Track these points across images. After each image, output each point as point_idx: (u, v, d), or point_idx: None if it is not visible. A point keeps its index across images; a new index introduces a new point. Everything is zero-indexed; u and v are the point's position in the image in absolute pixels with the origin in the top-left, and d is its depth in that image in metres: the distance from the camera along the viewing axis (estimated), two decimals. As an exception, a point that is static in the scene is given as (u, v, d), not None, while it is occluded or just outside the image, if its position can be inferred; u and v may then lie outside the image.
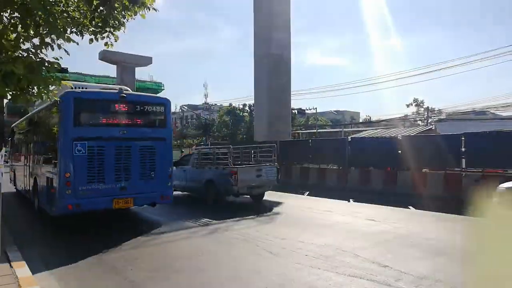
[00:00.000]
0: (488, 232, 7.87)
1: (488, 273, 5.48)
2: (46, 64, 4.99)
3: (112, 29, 5.52)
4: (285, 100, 23.92)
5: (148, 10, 5.58)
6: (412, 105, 62.65)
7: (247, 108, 53.16)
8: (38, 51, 5.01)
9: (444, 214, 9.78)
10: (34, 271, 5.32)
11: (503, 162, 11.70)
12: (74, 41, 5.07)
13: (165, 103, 9.62)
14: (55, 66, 5.01)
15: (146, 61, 54.99)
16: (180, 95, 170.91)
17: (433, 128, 30.08)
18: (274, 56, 23.05)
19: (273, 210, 10.90)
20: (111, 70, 75.94)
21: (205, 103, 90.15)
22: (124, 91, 9.06)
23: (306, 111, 54.44)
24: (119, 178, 8.59)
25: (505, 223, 8.32)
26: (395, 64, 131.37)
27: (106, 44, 5.71)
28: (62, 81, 5.33)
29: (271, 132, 22.38)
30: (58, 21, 4.71)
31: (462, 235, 7.41)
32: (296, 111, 50.11)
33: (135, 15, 5.57)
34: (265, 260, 5.89)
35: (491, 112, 40.47)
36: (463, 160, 12.55)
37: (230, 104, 56.24)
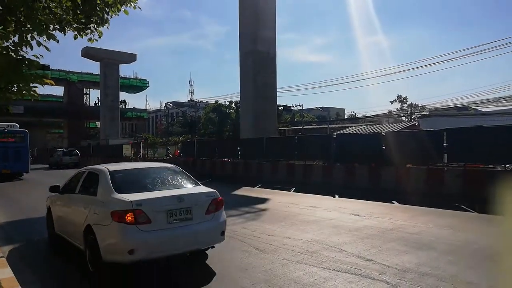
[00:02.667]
0: (470, 226, 8.07)
1: (471, 265, 5.64)
2: (26, 62, 4.89)
3: (95, 25, 5.43)
4: (271, 97, 23.94)
5: (130, 6, 5.50)
6: (396, 101, 63.72)
7: (233, 105, 53.09)
8: (18, 49, 4.90)
9: (427, 208, 9.98)
10: (16, 272, 5.23)
11: (484, 157, 11.97)
12: (55, 39, 4.98)
13: (25, 132, 24.02)
14: (35, 64, 4.91)
15: (130, 58, 54.38)
16: (165, 92, 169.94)
17: (416, 124, 30.61)
18: (259, 53, 23.03)
19: (259, 207, 10.94)
20: (95, 67, 74.69)
21: (191, 100, 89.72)
22: (6, 128, 23.45)
23: (292, 108, 54.68)
24: (4, 161, 22.28)
25: (485, 218, 8.53)
26: (380, 61, 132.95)
27: (90, 39, 5.61)
28: (44, 79, 5.23)
29: (257, 129, 22.40)
30: (40, 17, 4.61)
31: (444, 229, 7.58)
32: (282, 108, 50.27)
33: (118, 12, 5.47)
34: (251, 257, 5.93)
35: (472, 108, 41.31)
36: (445, 155, 12.80)
37: (216, 101, 56.12)
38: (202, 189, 5.84)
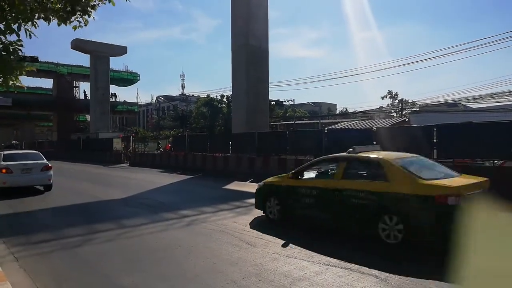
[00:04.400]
0: (459, 222, 8.16)
1: (460, 261, 5.69)
2: (12, 50, 4.77)
3: (81, 13, 5.29)
4: (263, 91, 23.87)
5: None
6: (387, 97, 64.10)
7: (225, 99, 52.87)
8: (3, 37, 4.77)
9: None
10: (4, 266, 5.16)
11: (473, 153, 12.09)
12: (46, 20, 4.85)
13: None
14: (17, 51, 4.79)
15: (120, 50, 53.64)
16: (156, 85, 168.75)
17: (407, 119, 30.81)
18: (251, 47, 22.89)
19: (250, 201, 10.90)
20: (85, 59, 73.68)
21: (182, 94, 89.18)
22: None
23: (284, 103, 54.68)
24: None
25: (476, 213, 8.65)
26: (373, 56, 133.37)
27: (74, 27, 5.45)
28: (27, 68, 5.12)
29: (249, 124, 22.33)
30: (25, 4, 4.48)
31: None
32: (274, 102, 50.23)
33: (107, 0, 5.35)
34: (242, 251, 5.91)
35: (462, 104, 41.73)
36: (435, 151, 12.90)
37: (208, 95, 55.82)
38: (42, 161, 13.03)
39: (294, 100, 51.93)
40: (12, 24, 4.78)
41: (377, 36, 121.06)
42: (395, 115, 49.48)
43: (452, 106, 41.80)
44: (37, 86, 65.50)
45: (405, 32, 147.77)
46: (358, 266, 5.06)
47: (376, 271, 4.86)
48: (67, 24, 5.32)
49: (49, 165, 12.83)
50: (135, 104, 77.92)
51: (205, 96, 56.57)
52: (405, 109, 47.12)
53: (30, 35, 4.85)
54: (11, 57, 4.78)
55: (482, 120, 15.24)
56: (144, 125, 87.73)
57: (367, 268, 4.95)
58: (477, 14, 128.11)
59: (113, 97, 64.11)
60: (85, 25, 5.40)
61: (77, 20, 5.36)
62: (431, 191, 5.50)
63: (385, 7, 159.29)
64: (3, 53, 4.86)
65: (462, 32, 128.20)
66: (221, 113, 52.34)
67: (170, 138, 34.84)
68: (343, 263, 5.17)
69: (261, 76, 23.54)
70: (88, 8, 5.20)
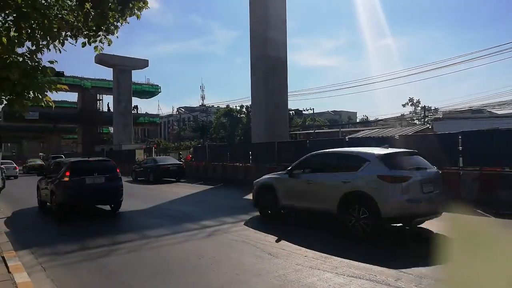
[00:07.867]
0: (487, 231, 7.88)
1: (485, 271, 5.48)
2: (41, 68, 4.97)
3: (105, 33, 5.48)
4: (282, 101, 23.88)
5: (141, 9, 5.55)
6: (408, 104, 63.04)
7: (244, 109, 53.19)
8: (34, 56, 4.98)
9: (442, 213, 9.77)
10: (32, 276, 5.29)
11: (501, 161, 11.71)
12: (70, 42, 5.06)
13: None
14: (50, 70, 4.98)
15: (142, 63, 54.92)
16: (177, 97, 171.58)
17: (430, 127, 30.15)
18: (270, 58, 23.00)
19: (271, 212, 10.87)
20: (108, 73, 75.67)
21: (202, 105, 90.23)
22: None
23: (303, 112, 54.57)
24: None
25: (502, 223, 8.32)
26: (391, 64, 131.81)
27: (95, 48, 5.67)
28: (58, 85, 5.31)
29: (269, 133, 22.32)
30: (53, 24, 4.69)
31: (461, 234, 7.40)
32: (293, 112, 50.20)
33: (130, 16, 5.53)
34: (264, 262, 5.87)
35: (487, 111, 40.59)
36: (461, 159, 12.55)
37: (227, 106, 56.33)
38: (14, 165, 27.68)
39: (313, 109, 51.84)
40: (41, 41, 5.00)
41: (396, 43, 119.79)
42: (417, 123, 48.55)
43: (476, 113, 40.69)
44: (63, 100, 67.65)
45: (426, 38, 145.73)
46: (384, 277, 4.94)
47: (403, 283, 4.73)
48: (91, 43, 5.53)
49: (17, 167, 24.01)
50: (157, 115, 79.38)
51: (225, 106, 57.15)
52: (427, 116, 46.20)
53: (59, 50, 5.06)
54: (39, 73, 4.98)
55: (509, 127, 14.78)
56: (165, 136, 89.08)
57: (393, 280, 4.83)
58: (500, 17, 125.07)
59: (135, 109, 65.54)
60: (109, 45, 5.61)
61: (101, 42, 5.58)
62: None
63: (402, 13, 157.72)
64: (31, 71, 5.06)
65: (485, 36, 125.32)
66: (240, 123, 52.64)
67: (191, 149, 35.23)
68: (368, 275, 5.06)
69: (280, 86, 23.57)
70: (112, 28, 5.38)
